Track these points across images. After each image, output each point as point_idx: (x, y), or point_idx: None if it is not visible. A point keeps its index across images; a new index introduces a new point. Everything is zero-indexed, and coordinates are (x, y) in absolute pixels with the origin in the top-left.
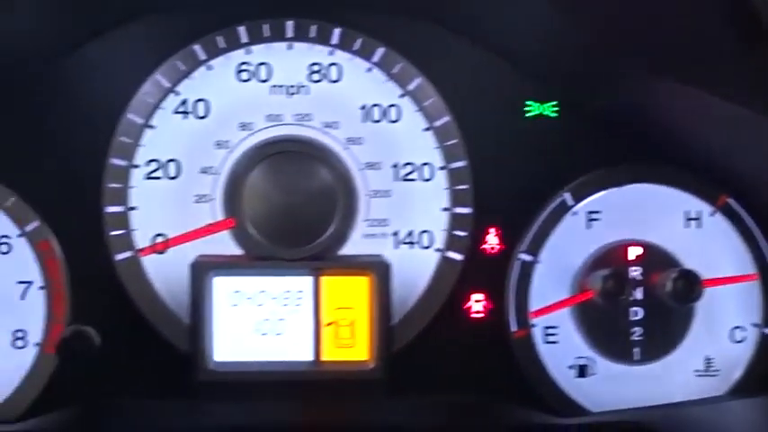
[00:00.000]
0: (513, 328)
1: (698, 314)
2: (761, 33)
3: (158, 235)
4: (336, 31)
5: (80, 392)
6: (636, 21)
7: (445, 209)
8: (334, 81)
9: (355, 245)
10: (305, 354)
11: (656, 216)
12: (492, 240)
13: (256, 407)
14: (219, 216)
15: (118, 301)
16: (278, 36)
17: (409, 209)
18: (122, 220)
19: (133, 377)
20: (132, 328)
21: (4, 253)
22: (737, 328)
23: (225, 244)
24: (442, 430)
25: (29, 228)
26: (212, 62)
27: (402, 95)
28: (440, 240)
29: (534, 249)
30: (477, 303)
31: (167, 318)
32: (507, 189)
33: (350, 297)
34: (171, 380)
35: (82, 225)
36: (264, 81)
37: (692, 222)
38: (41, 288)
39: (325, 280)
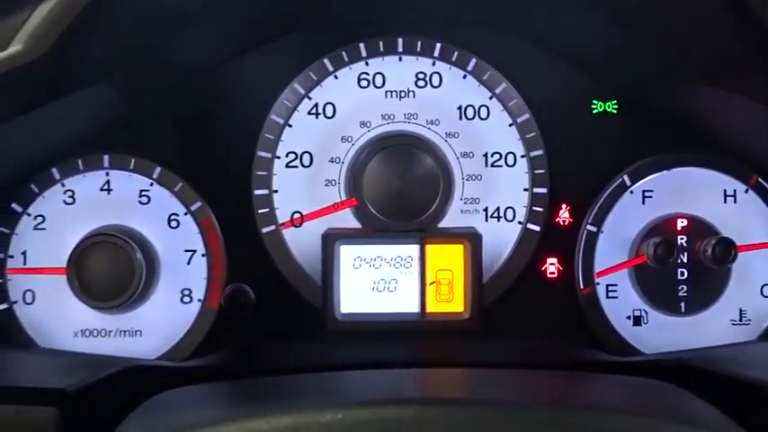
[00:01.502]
0: (581, 286)
1: (734, 274)
2: None
3: (295, 212)
4: (438, 46)
5: (235, 340)
6: (683, 34)
7: (526, 189)
8: (436, 87)
9: (453, 219)
10: (413, 307)
11: (699, 193)
12: (564, 215)
13: (374, 349)
14: (344, 197)
15: (264, 266)
16: (390, 50)
17: (497, 189)
18: (267, 201)
19: (277, 327)
20: (276, 288)
21: (173, 227)
22: (766, 285)
23: (348, 219)
24: (523, 364)
25: (194, 207)
26: (338, 72)
27: (491, 97)
28: (521, 215)
29: (598, 222)
30: (551, 266)
31: (304, 279)
32: (576, 172)
33: (449, 261)
34: (307, 329)
35: (235, 205)
36: (380, 87)
37: (729, 198)
38: (203, 255)
39: (429, 247)
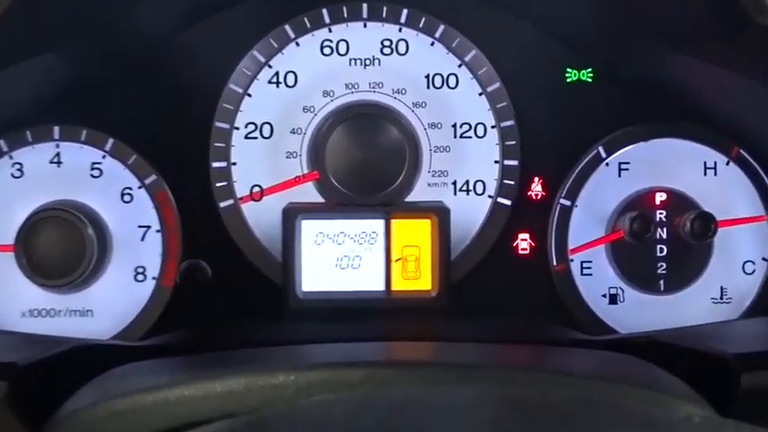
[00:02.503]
0: (554, 262)
1: (715, 250)
2: (742, 21)
3: (255, 186)
4: (404, 12)
5: (191, 318)
6: (655, 4)
7: (496, 161)
8: (403, 54)
9: (420, 192)
10: (377, 285)
11: (677, 166)
12: (536, 188)
13: (336, 327)
14: (305, 169)
15: (222, 241)
16: (355, 16)
17: (466, 162)
18: (225, 174)
19: (236, 305)
20: (234, 264)
21: (126, 202)
22: (749, 261)
23: (310, 193)
24: (490, 340)
25: (148, 180)
26: (300, 40)
27: (460, 65)
28: (492, 188)
29: (572, 195)
30: (523, 242)
31: (263, 255)
32: (549, 144)
33: (415, 237)
34: (268, 306)
35: (192, 178)
36: (343, 55)
37: (710, 171)
38: (158, 231)
39: (394, 222)
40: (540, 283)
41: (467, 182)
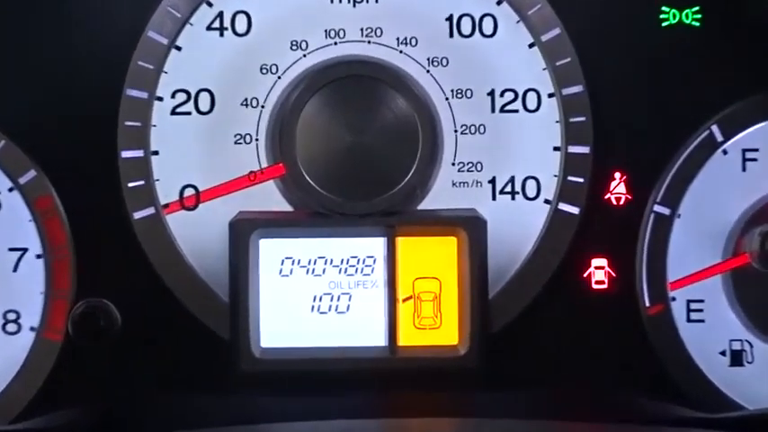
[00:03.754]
0: (647, 302)
1: None
2: None
3: (187, 187)
4: None
5: (88, 390)
6: None
7: (556, 148)
8: None
9: (440, 196)
10: (376, 338)
11: None
12: (617, 189)
13: (313, 406)
14: (265, 162)
15: (136, 272)
16: None
17: (509, 148)
18: (142, 168)
19: (160, 370)
20: (158, 308)
21: None
22: None
23: (272, 198)
24: (552, 419)
25: (23, 179)
26: None
27: (499, 2)
28: (550, 189)
29: (672, 200)
30: (598, 271)
31: (200, 292)
32: (637, 121)
33: (434, 264)
34: (207, 371)
35: (91, 175)
36: None
37: None
38: (39, 257)
39: (402, 241)
40: (625, 335)
41: (512, 180)
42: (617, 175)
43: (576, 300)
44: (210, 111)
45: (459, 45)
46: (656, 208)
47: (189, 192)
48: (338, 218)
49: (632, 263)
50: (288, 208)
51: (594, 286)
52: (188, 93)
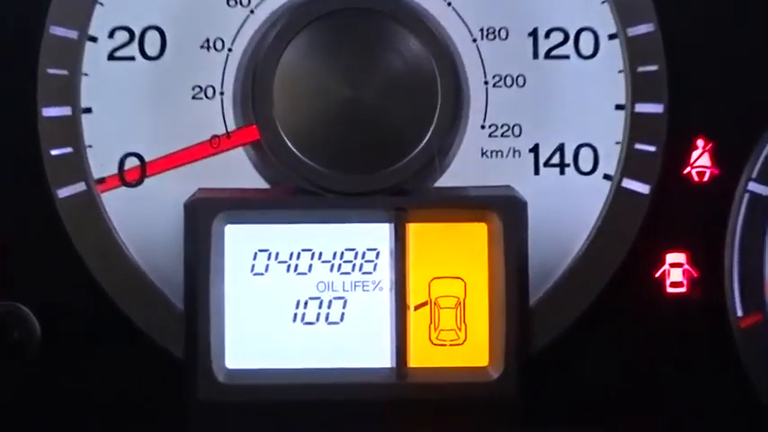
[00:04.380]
0: (738, 311)
1: None
2: None
3: (129, 156)
4: None
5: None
6: None
7: (619, 106)
8: None
9: (466, 170)
10: (380, 357)
11: None
12: (700, 161)
13: None
14: (232, 123)
15: (61, 268)
16: None
17: (557, 107)
18: (69, 131)
19: (89, 394)
20: (86, 314)
21: None
22: None
23: (242, 171)
24: None
25: None
26: None
27: None
28: (611, 161)
29: None
30: (674, 269)
31: (145, 296)
32: (725, 72)
33: (457, 259)
34: (153, 400)
35: (2, 139)
36: None
37: None
38: None
39: (414, 229)
40: (710, 353)
41: (560, 148)
42: (699, 142)
43: (646, 307)
44: (160, 55)
45: None
46: (751, 186)
47: (131, 162)
48: (330, 197)
49: (719, 259)
50: (263, 184)
51: (670, 290)
52: (131, 31)
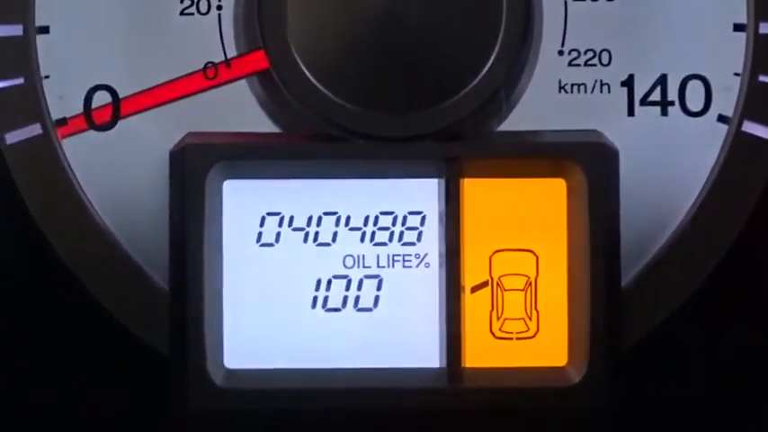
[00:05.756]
0: None
1: None
2: None
3: (98, 89)
4: None
5: None
6: None
7: (739, 26)
8: None
9: (539, 108)
10: (426, 354)
11: None
12: None
13: None
14: (233, 47)
15: (13, 235)
16: None
17: (657, 26)
18: (19, 57)
19: (51, 397)
20: (45, 294)
21: None
22: None
23: (245, 111)
24: None
25: None
26: None
27: None
28: (728, 97)
29: None
30: None
31: (121, 273)
32: None
33: (527, 226)
34: (134, 407)
35: None
36: None
37: None
38: None
39: (471, 186)
40: None
41: (662, 80)
42: None
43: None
44: None
45: None
46: None
47: (101, 99)
48: (360, 144)
49: None
50: (272, 129)
51: None
52: None
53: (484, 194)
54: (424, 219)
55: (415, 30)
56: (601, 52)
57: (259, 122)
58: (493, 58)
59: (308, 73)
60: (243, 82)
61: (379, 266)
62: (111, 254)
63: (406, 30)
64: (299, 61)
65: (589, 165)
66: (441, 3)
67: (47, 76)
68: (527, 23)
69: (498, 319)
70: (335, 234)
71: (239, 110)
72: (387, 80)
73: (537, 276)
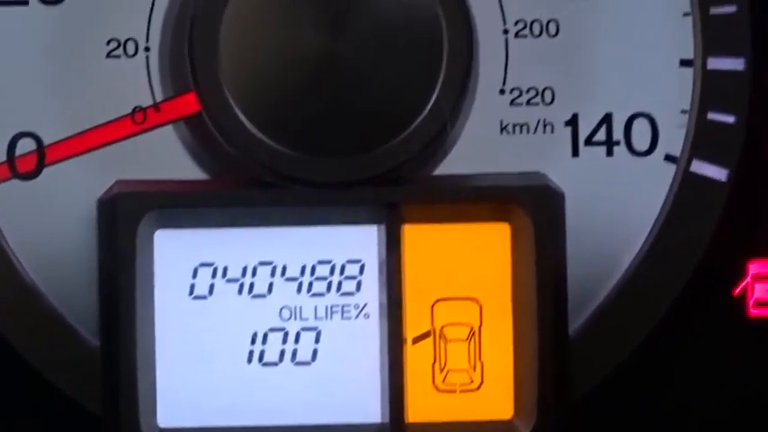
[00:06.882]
0: None
1: None
2: None
3: (22, 136)
4: None
5: None
6: None
7: (685, 62)
8: None
9: (481, 150)
10: (367, 409)
11: None
12: None
13: None
14: (160, 92)
15: None
16: None
17: (602, 64)
18: None
19: None
20: None
21: None
22: None
23: (175, 157)
24: None
25: None
26: None
27: None
28: (675, 136)
29: None
30: (759, 284)
31: (46, 326)
32: None
33: (469, 272)
34: None
35: None
36: None
37: None
38: None
39: (412, 232)
40: None
41: (607, 119)
42: None
43: (721, 336)
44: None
45: None
46: None
47: (25, 146)
48: (296, 191)
49: None
50: (200, 175)
51: (753, 311)
52: None
53: (425, 241)
54: (363, 267)
55: (353, 70)
56: (543, 91)
57: (188, 169)
58: (433, 99)
59: (241, 116)
60: (170, 126)
61: (316, 318)
62: (37, 308)
63: (345, 70)
64: (233, 103)
65: (534, 209)
66: (379, 42)
67: None
68: (469, 58)
69: (441, 371)
70: (271, 285)
71: (169, 156)
72: (325, 123)
73: (481, 326)
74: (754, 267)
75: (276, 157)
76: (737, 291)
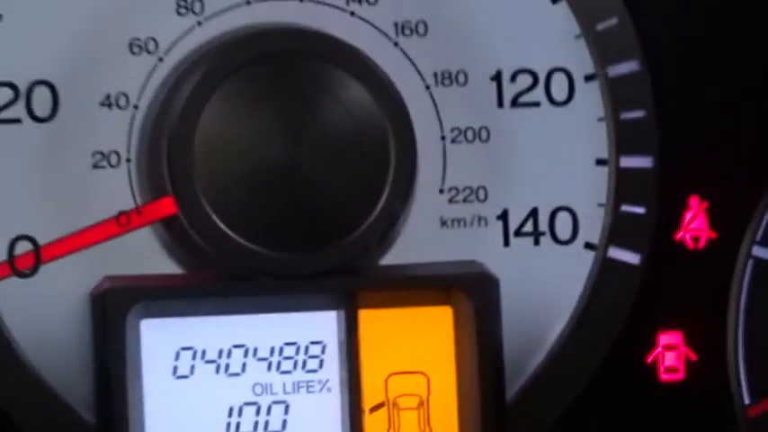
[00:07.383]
0: (746, 399)
1: None
2: None
3: (19, 239)
4: None
5: None
6: None
7: (601, 161)
8: None
9: (424, 242)
10: None
11: None
12: (695, 223)
13: None
14: (139, 197)
15: None
16: None
17: (528, 164)
18: None
19: None
20: None
21: None
22: None
23: (155, 254)
24: None
25: None
26: None
27: None
28: (593, 226)
29: None
30: (669, 353)
31: (46, 406)
32: (722, 118)
33: (418, 350)
34: None
35: None
36: None
37: None
38: None
39: (366, 317)
40: None
41: (533, 213)
42: (693, 202)
43: (638, 399)
44: (52, 116)
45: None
46: (756, 251)
47: (22, 247)
48: (264, 282)
49: (722, 338)
50: (176, 270)
51: (664, 376)
52: (15, 88)
53: (379, 323)
54: (324, 347)
55: (312, 176)
56: (477, 189)
57: (166, 265)
58: (384, 199)
59: (214, 217)
60: (149, 227)
61: (285, 393)
62: (38, 390)
63: (304, 176)
64: (206, 206)
65: (474, 293)
66: (333, 151)
67: None
68: (413, 163)
69: None
70: (245, 364)
71: (150, 254)
72: (288, 223)
73: (429, 396)
74: (664, 338)
75: (246, 253)
76: (650, 359)
